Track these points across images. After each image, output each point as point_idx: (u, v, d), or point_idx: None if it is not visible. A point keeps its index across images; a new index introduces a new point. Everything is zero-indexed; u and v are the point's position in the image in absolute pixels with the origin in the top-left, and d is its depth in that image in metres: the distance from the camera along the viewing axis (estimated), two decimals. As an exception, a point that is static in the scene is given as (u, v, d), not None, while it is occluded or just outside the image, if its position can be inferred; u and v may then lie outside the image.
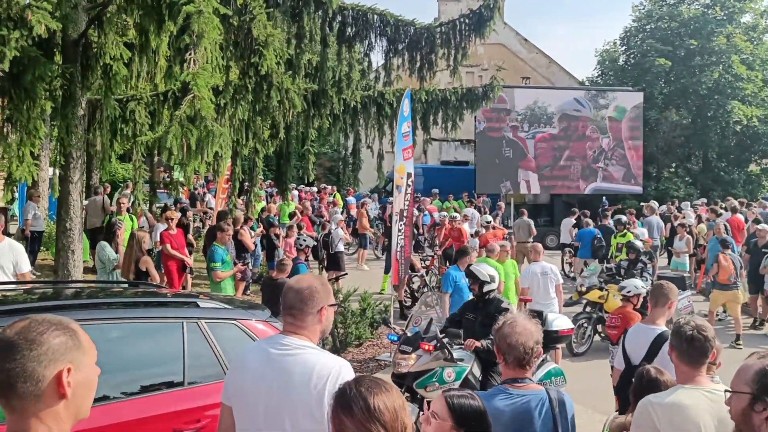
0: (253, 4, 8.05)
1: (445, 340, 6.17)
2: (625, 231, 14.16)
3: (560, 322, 7.45)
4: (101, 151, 9.09)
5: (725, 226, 14.17)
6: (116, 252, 9.08)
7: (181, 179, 15.42)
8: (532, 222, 16.46)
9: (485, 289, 6.48)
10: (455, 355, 6.13)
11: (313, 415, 2.61)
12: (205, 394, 4.05)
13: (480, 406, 2.63)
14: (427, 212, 18.97)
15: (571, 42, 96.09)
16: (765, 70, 28.00)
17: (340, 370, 2.65)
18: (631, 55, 31.31)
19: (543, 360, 6.80)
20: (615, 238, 14.36)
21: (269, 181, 21.18)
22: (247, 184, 13.22)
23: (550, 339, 6.85)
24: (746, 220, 16.16)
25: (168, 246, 10.08)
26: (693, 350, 3.06)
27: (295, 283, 2.82)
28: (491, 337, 6.05)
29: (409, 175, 10.38)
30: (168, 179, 15.06)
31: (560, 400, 3.04)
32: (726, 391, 2.34)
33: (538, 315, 7.06)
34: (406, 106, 10.48)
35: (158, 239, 10.88)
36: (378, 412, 1.98)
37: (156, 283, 7.72)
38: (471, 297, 6.94)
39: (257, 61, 7.87)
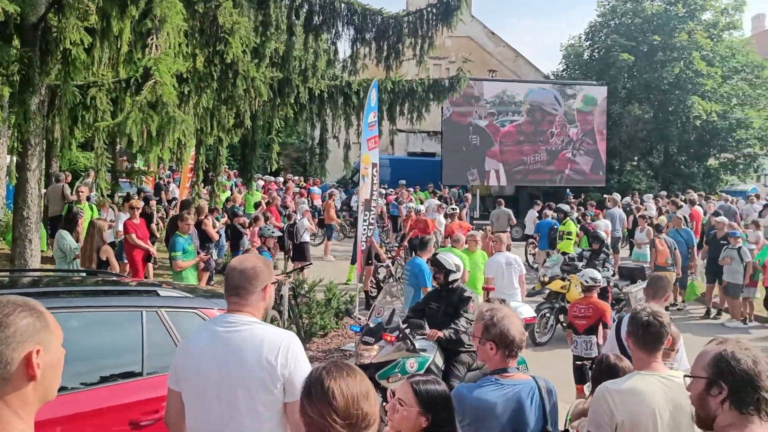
0: (219, -9, 7.92)
1: (408, 331, 6.18)
2: (567, 220, 14.52)
3: (523, 310, 7.55)
4: (60, 138, 8.88)
5: (685, 217, 14.52)
6: (77, 241, 8.90)
7: (144, 168, 15.22)
8: (511, 212, 16.70)
9: (451, 278, 6.48)
10: (417, 345, 6.14)
11: (267, 387, 2.68)
12: (164, 385, 3.99)
13: (445, 390, 2.66)
14: (395, 203, 19.09)
15: (537, 36, 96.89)
16: (724, 67, 28.55)
17: (290, 342, 2.75)
18: (596, 50, 31.68)
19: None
20: (559, 227, 14.66)
21: (234, 171, 20.96)
22: (211, 173, 13.06)
23: None
24: (705, 213, 16.58)
25: (133, 236, 9.92)
26: (648, 336, 3.11)
27: (239, 264, 2.89)
28: (453, 326, 6.14)
29: (374, 165, 10.38)
30: (130, 168, 14.82)
31: (548, 388, 3.08)
32: (685, 376, 2.40)
33: (501, 302, 7.12)
34: (373, 96, 10.47)
35: (120, 229, 10.69)
36: (331, 396, 2.00)
37: (116, 273, 7.59)
38: (434, 286, 6.96)
39: (223, 49, 7.76)
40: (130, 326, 4.13)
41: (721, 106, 27.59)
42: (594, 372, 3.86)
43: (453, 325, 6.17)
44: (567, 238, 14.18)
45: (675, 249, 12.66)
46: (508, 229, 16.21)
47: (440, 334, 6.10)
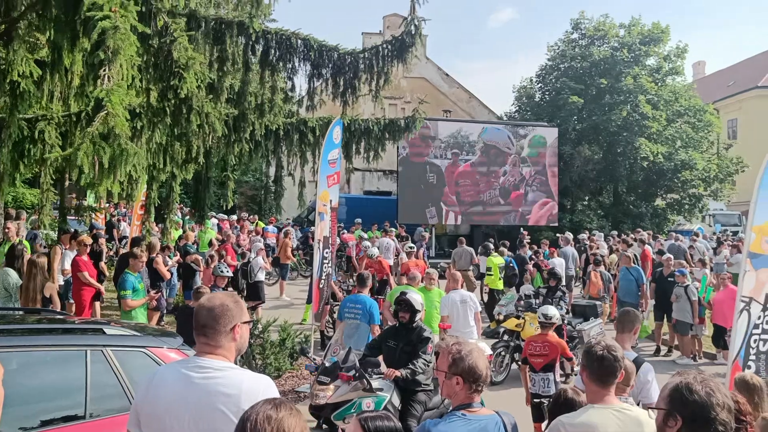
0: (174, 26, 7.86)
1: (364, 370, 6.09)
2: (489, 257, 15.28)
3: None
4: (2, 172, 8.56)
5: (636, 255, 14.85)
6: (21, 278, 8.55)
7: (93, 205, 14.84)
8: (473, 250, 16.80)
9: (416, 318, 6.47)
10: (374, 384, 6.05)
11: None
12: (109, 428, 3.81)
13: (395, 426, 2.60)
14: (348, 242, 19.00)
15: (490, 78, 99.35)
16: (668, 110, 29.63)
17: (267, 391, 2.62)
18: (547, 92, 32.57)
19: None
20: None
21: (187, 209, 20.62)
22: (163, 211, 12.79)
23: None
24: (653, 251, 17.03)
25: (86, 274, 9.59)
26: (602, 369, 3.13)
27: (207, 302, 2.75)
28: (411, 366, 6.07)
29: (330, 202, 10.32)
30: (79, 205, 14.42)
31: (513, 423, 3.09)
32: (650, 408, 2.42)
33: None
34: (337, 134, 10.47)
35: (67, 267, 10.34)
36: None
37: (61, 311, 7.28)
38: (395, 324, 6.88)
39: (177, 84, 7.65)
40: (73, 366, 3.93)
41: (666, 148, 28.53)
42: (551, 405, 3.84)
43: (410, 365, 6.12)
44: (488, 274, 14.81)
45: (610, 283, 13.50)
46: (471, 268, 16.34)
47: (397, 373, 6.03)
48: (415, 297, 6.61)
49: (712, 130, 31.17)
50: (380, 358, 6.60)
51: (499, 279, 14.63)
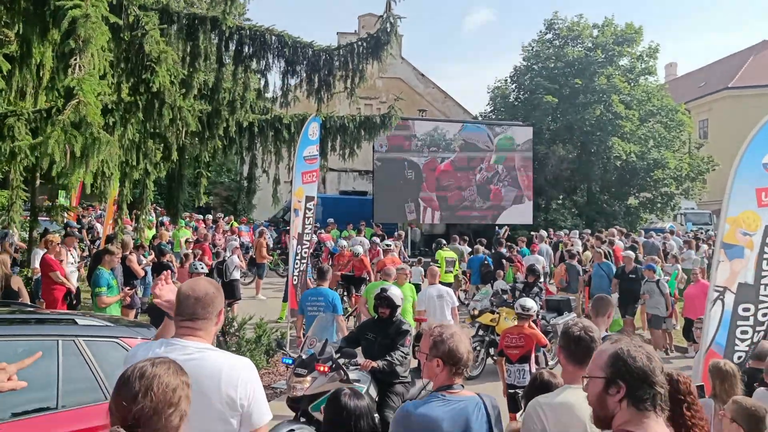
0: (146, 20, 7.78)
1: (341, 361, 6.07)
2: (439, 250, 15.94)
3: None
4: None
5: (608, 252, 15.05)
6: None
7: (65, 204, 14.60)
8: (461, 248, 16.97)
9: (397, 313, 6.56)
10: (351, 376, 6.03)
11: (225, 419, 2.61)
12: (82, 418, 3.75)
13: (366, 405, 2.64)
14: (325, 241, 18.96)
15: (465, 79, 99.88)
16: (641, 110, 30.01)
17: (248, 372, 2.71)
18: (521, 92, 32.83)
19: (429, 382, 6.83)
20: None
21: (161, 209, 20.40)
22: (135, 210, 12.61)
23: None
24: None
25: (58, 273, 9.43)
26: (579, 350, 3.15)
27: (192, 291, 2.78)
28: (388, 357, 6.09)
29: (308, 199, 10.29)
30: (51, 205, 14.18)
31: (493, 405, 3.09)
32: (583, 377, 2.41)
33: None
34: (314, 130, 10.43)
35: (37, 266, 10.16)
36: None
37: (31, 304, 7.17)
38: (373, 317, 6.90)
39: (149, 78, 7.56)
40: (44, 356, 3.85)
41: (639, 148, 28.90)
42: (527, 388, 3.87)
43: (388, 356, 6.15)
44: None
45: (579, 275, 13.90)
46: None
47: (374, 364, 6.06)
48: (396, 293, 6.68)
49: (683, 129, 31.67)
50: (359, 350, 6.61)
51: (446, 272, 14.74)
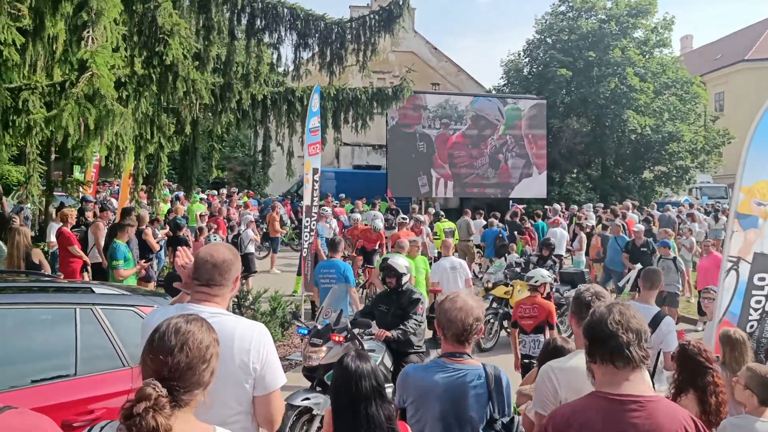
0: (158, -8, 7.76)
1: (356, 331, 6.12)
2: (444, 219, 16.74)
3: None
4: (-12, 143, 8.47)
5: (623, 225, 14.98)
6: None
7: (80, 179, 14.71)
8: (472, 222, 16.95)
9: (403, 281, 6.53)
10: (366, 346, 6.07)
11: (239, 382, 2.65)
12: (99, 385, 3.82)
13: (372, 367, 2.73)
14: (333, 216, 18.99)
15: (478, 53, 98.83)
16: (656, 82, 29.60)
17: (261, 336, 2.74)
18: (535, 66, 32.46)
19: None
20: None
21: (174, 184, 20.51)
22: (149, 185, 12.69)
23: None
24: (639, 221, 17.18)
25: (75, 247, 9.56)
26: None
27: (211, 257, 2.80)
28: (402, 327, 6.13)
29: (315, 171, 10.29)
30: (66, 179, 14.30)
31: (496, 376, 3.07)
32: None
33: None
34: (315, 102, 10.40)
35: (53, 239, 10.29)
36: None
37: (48, 274, 7.27)
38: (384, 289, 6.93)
39: (162, 51, 7.56)
40: (62, 324, 3.92)
41: (654, 121, 28.57)
42: (540, 354, 3.90)
43: (401, 326, 6.17)
44: (435, 238, 15.38)
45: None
46: (470, 238, 16.74)
47: (388, 333, 6.09)
48: (398, 261, 6.67)
49: (699, 102, 31.22)
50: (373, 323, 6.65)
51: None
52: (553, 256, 11.72)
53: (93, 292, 4.29)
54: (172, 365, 1.94)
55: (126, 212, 9.95)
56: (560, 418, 2.37)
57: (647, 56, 30.14)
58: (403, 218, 14.52)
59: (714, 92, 40.14)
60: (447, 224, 15.99)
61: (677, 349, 4.13)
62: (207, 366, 2.03)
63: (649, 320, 5.38)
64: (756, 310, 6.02)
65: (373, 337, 6.18)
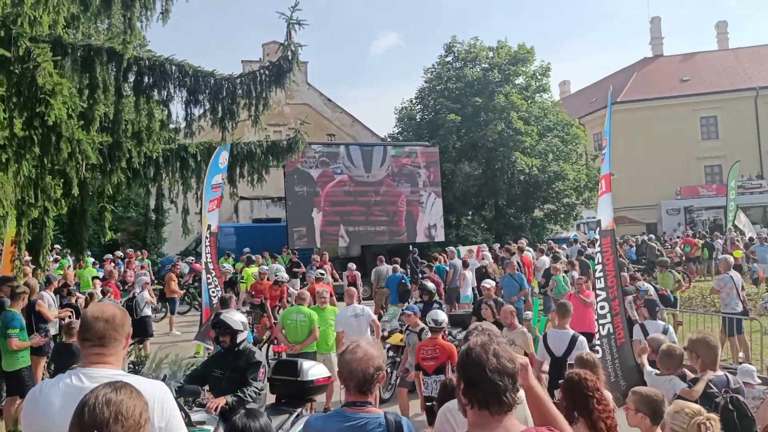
0: (38, 52, 7.53)
1: (182, 401, 5.41)
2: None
3: (316, 370, 6.70)
4: None
5: (518, 263, 15.63)
6: None
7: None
8: (391, 268, 17.07)
9: (238, 339, 5.86)
10: (194, 417, 5.29)
11: None
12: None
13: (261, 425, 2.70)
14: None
15: (372, 103, 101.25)
16: (539, 125, 31.41)
17: (163, 394, 2.66)
18: (426, 113, 33.65)
19: (298, 415, 6.16)
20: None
21: (66, 249, 19.50)
22: (33, 251, 12.01)
23: (306, 390, 6.43)
24: (534, 258, 18.05)
25: None
26: None
27: (101, 313, 2.74)
28: (240, 393, 5.46)
29: (209, 227, 10.18)
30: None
31: (397, 422, 3.06)
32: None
33: (293, 364, 6.61)
34: (223, 159, 10.33)
35: None
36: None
37: None
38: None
39: (44, 111, 7.31)
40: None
41: (540, 161, 30.17)
42: (439, 395, 3.99)
43: (239, 392, 5.48)
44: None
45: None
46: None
47: (221, 402, 5.39)
48: (233, 316, 5.95)
49: (579, 142, 33.30)
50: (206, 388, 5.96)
51: None
52: (435, 300, 11.51)
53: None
54: None
55: (5, 280, 9.30)
56: None
57: (529, 101, 31.98)
58: (321, 273, 14.30)
59: (593, 132, 42.82)
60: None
61: (562, 381, 4.19)
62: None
63: (568, 341, 7.06)
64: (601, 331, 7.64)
65: (205, 409, 5.44)
